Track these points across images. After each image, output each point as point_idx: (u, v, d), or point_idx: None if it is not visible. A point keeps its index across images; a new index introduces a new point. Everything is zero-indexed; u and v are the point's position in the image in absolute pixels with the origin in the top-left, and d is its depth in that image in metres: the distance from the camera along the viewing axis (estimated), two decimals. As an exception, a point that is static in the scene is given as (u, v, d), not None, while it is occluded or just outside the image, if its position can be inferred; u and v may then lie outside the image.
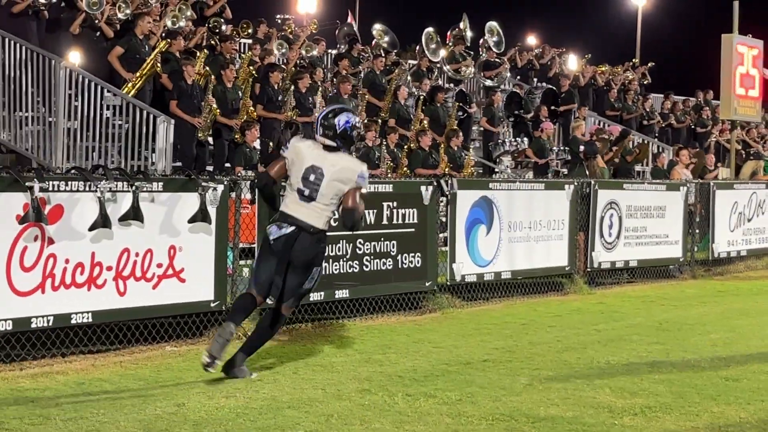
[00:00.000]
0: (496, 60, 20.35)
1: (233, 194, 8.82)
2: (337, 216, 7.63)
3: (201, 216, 8.45)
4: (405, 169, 14.89)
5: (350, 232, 8.64)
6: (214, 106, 13.28)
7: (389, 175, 13.91)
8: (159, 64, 13.42)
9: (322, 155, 7.32)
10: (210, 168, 12.77)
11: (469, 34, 19.96)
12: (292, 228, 7.24)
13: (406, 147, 15.30)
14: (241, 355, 7.40)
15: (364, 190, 7.40)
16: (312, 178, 7.25)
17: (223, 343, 7.16)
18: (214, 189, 8.57)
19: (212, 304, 8.65)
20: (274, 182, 7.58)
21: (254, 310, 7.65)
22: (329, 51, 18.63)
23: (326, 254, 7.65)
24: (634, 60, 27.33)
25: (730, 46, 17.05)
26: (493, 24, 20.43)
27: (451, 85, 19.20)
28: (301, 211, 7.27)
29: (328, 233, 7.47)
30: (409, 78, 17.99)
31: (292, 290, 7.39)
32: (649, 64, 25.33)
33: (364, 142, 14.51)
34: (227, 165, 13.36)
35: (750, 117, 18.63)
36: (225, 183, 8.72)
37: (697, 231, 14.83)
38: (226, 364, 7.29)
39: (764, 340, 9.21)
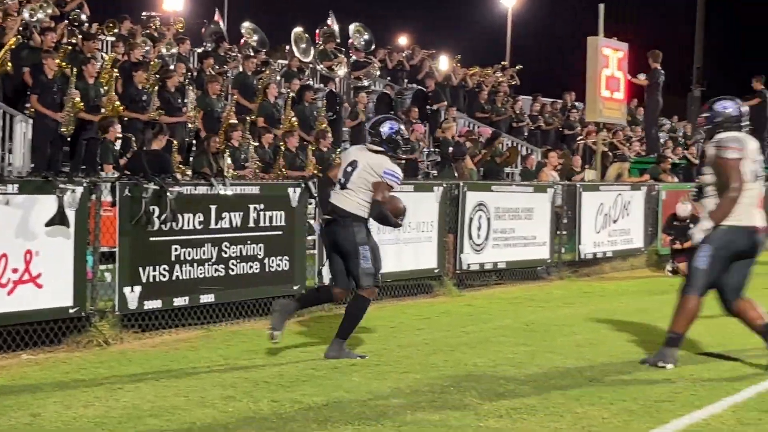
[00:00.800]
0: (366, 60, 20.48)
1: (93, 196, 8.64)
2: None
3: (59, 219, 8.26)
4: (282, 170, 14.83)
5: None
6: (77, 99, 13.01)
7: (258, 176, 13.84)
8: (9, 62, 13.09)
9: (365, 154, 8.47)
10: (68, 168, 12.52)
11: (336, 30, 20.06)
12: (327, 218, 8.43)
13: (283, 147, 15.21)
14: (337, 340, 8.42)
15: (392, 185, 8.36)
16: (349, 169, 8.39)
17: (282, 316, 8.25)
18: (73, 191, 8.39)
19: (71, 311, 8.46)
20: (331, 183, 8.61)
21: (329, 301, 9.05)
22: (194, 50, 18.43)
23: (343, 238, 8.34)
24: (503, 62, 27.85)
25: (596, 48, 17.47)
26: (357, 25, 20.58)
27: (321, 85, 19.23)
28: (335, 198, 8.44)
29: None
30: (279, 78, 17.95)
31: (356, 274, 8.36)
32: (517, 67, 25.84)
33: (231, 142, 14.44)
34: (84, 165, 13.12)
35: (615, 119, 19.12)
36: (84, 185, 8.54)
37: (564, 232, 15.19)
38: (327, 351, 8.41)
39: (628, 341, 9.48)
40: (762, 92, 24.29)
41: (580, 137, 22.82)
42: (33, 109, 12.92)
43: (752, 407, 6.87)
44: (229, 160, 14.18)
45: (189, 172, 13.23)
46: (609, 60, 17.83)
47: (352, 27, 20.74)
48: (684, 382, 7.61)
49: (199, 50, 18.38)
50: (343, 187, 8.38)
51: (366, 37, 20.80)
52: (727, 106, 8.32)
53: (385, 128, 8.52)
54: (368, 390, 7.18)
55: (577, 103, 24.20)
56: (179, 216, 9.24)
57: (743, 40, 44.79)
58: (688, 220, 16.03)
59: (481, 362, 8.30)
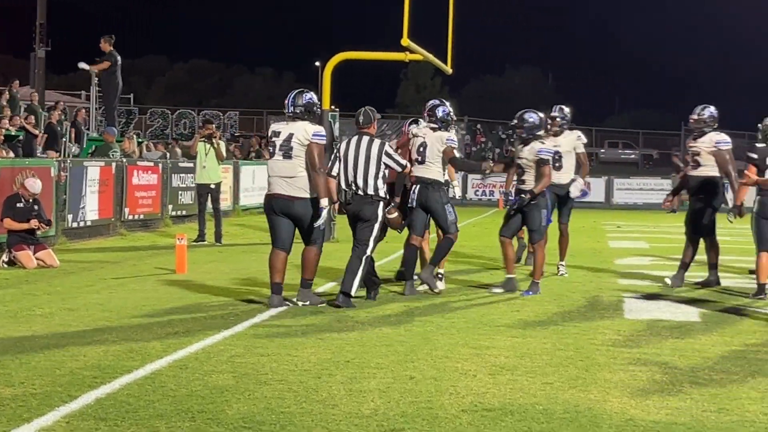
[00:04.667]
0: None
1: None
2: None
3: None
4: None
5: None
6: None
7: None
8: None
9: (428, 133, 13.30)
10: None
11: None
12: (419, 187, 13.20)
13: None
14: (429, 266, 13.40)
15: (454, 147, 13.28)
16: (421, 149, 13.21)
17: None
18: None
19: None
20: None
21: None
22: None
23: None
24: None
25: None
26: None
27: None
28: (418, 170, 13.20)
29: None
30: None
31: (445, 225, 13.22)
32: None
33: None
34: None
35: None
36: None
37: None
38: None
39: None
40: (112, 54, 24.95)
41: None
42: None
43: (89, 415, 6.95)
44: None
45: None
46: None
47: None
48: (12, 391, 7.51)
49: None
50: (422, 162, 13.12)
51: None
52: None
53: (439, 110, 13.26)
54: None
55: None
56: None
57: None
58: (32, 200, 15.93)
59: None
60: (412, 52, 21.13)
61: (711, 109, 14.49)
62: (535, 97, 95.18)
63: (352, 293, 12.04)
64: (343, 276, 12.21)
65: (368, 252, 12.27)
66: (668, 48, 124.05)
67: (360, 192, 12.22)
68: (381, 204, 12.35)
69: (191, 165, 23.86)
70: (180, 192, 25.50)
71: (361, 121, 12.51)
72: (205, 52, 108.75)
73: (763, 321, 11.70)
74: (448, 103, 13.63)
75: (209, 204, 20.87)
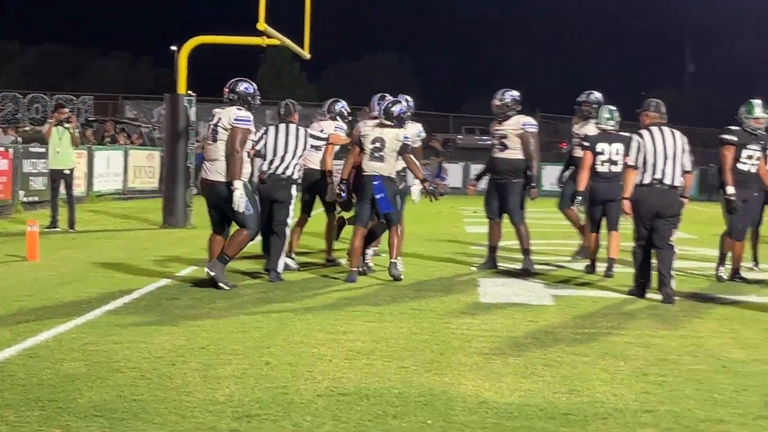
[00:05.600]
0: None
1: None
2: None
3: None
4: None
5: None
6: None
7: None
8: None
9: (381, 130, 13.38)
10: None
11: None
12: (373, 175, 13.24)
13: None
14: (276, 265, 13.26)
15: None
16: (378, 144, 13.20)
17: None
18: None
19: None
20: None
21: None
22: None
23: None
24: None
25: None
26: None
27: None
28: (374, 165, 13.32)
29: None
30: None
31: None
32: None
33: None
34: None
35: None
36: None
37: None
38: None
39: None
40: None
41: None
42: None
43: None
44: None
45: None
46: None
47: None
48: None
49: None
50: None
51: None
52: None
53: (395, 109, 13.37)
54: None
55: None
56: None
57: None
58: None
59: None
60: (269, 36, 21.04)
61: (512, 93, 14.72)
62: (393, 82, 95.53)
63: (280, 270, 13.08)
64: (269, 256, 13.18)
65: (288, 232, 13.34)
66: (516, 36, 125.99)
67: (278, 173, 13.10)
68: (294, 186, 13.27)
69: (44, 150, 23.36)
70: (32, 177, 24.94)
71: (282, 113, 13.65)
72: (59, 35, 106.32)
73: (613, 304, 11.97)
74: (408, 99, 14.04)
75: (62, 190, 20.47)
